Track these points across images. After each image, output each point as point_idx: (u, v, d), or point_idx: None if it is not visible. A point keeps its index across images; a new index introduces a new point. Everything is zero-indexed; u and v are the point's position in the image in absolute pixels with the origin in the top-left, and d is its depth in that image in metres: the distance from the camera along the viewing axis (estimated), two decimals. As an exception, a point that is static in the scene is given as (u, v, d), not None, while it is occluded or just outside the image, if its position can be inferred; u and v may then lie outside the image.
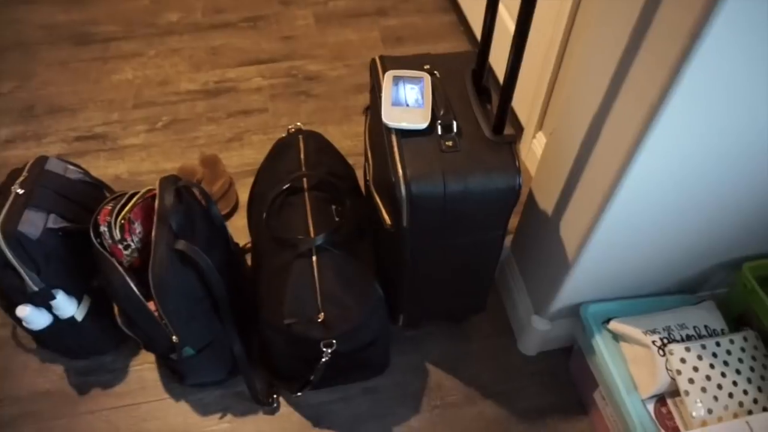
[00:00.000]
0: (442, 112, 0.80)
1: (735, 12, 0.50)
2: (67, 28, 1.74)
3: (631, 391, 0.84)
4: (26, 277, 0.89)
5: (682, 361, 0.81)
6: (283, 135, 1.11)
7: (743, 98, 0.60)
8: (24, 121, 1.49)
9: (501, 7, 1.36)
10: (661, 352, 0.83)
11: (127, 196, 0.94)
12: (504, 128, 0.79)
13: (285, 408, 1.03)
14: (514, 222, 1.03)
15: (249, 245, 1.19)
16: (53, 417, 1.02)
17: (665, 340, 0.84)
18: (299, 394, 0.98)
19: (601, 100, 0.70)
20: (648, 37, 0.59)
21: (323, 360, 0.89)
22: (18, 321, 0.95)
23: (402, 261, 0.88)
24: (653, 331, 0.85)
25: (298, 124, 1.12)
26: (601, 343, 0.88)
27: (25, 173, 0.97)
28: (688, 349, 0.82)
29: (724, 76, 0.57)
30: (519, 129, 1.41)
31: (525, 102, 1.33)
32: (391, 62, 0.88)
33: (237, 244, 1.17)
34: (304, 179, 1.00)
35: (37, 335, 0.99)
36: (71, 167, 1.04)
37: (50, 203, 0.95)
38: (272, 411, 1.02)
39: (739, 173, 0.71)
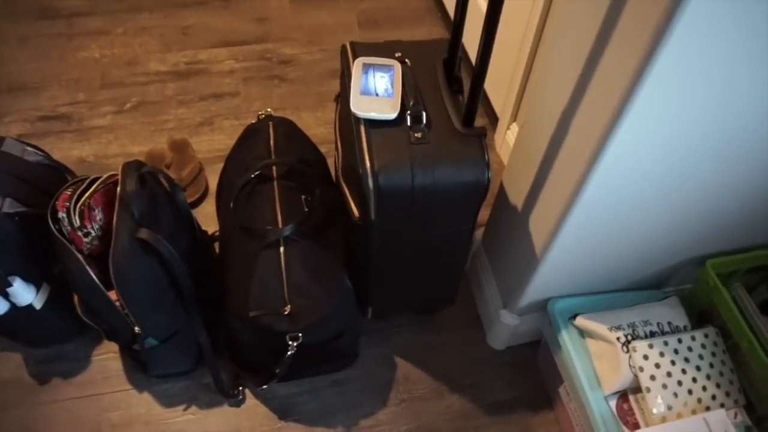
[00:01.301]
0: (411, 103, 0.78)
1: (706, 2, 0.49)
2: (29, 2, 1.66)
3: (594, 387, 0.85)
4: (-21, 265, 0.86)
5: (645, 357, 0.82)
6: (254, 121, 1.09)
7: (712, 92, 0.60)
8: (-17, 99, 1.43)
9: (479, -5, 1.34)
10: (625, 348, 0.83)
11: (88, 181, 0.91)
12: (474, 120, 0.77)
13: (251, 400, 1.02)
14: (486, 214, 1.03)
15: (216, 233, 1.17)
16: (12, 406, 0.99)
17: (629, 337, 0.84)
18: (265, 387, 0.97)
19: (571, 92, 0.69)
20: (618, 27, 0.58)
21: (289, 353, 0.87)
22: (-28, 309, 0.92)
23: (370, 253, 0.87)
24: (618, 328, 0.85)
25: (269, 110, 1.09)
26: (567, 338, 0.88)
27: (-22, 155, 0.92)
28: (651, 346, 0.82)
29: (694, 69, 0.56)
30: (494, 119, 1.40)
31: (500, 91, 1.32)
32: (361, 49, 0.86)
33: (205, 232, 1.14)
34: (273, 167, 0.98)
35: (-7, 323, 0.96)
36: (29, 149, 1.00)
37: (6, 186, 0.91)
38: (238, 403, 1.01)
39: (707, 169, 0.72)
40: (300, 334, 0.86)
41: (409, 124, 0.77)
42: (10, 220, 0.90)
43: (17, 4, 1.65)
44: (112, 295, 0.87)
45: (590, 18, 0.62)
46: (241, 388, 1.02)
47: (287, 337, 0.86)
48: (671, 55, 0.54)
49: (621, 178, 0.70)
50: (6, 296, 0.92)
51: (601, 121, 0.64)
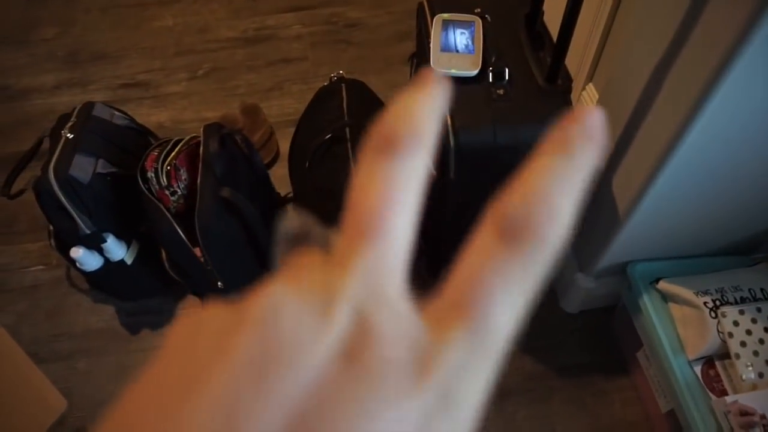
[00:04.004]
0: (493, 59, 0.76)
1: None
2: (107, -27, 1.72)
3: (677, 352, 0.83)
4: (78, 220, 0.92)
5: (735, 323, 0.78)
6: (325, 83, 1.09)
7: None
8: (69, 68, 1.50)
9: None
10: (713, 314, 0.80)
11: (172, 142, 0.95)
12: (558, 77, 0.75)
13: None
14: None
15: (290, 195, 1.20)
16: (106, 353, 1.07)
17: (718, 302, 0.81)
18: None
19: (667, 46, 0.65)
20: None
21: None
22: (72, 262, 0.98)
23: (446, 214, 0.86)
24: (705, 293, 0.82)
25: (341, 72, 1.09)
26: (648, 302, 0.86)
27: (73, 118, 0.98)
28: (742, 312, 0.79)
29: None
30: (567, 79, 1.35)
31: (576, 51, 1.26)
32: (439, 5, 0.84)
33: (278, 194, 1.17)
34: (347, 129, 0.99)
35: (90, 276, 1.03)
36: (117, 113, 1.05)
37: (98, 148, 0.96)
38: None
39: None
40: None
41: (490, 80, 0.75)
42: (103, 180, 0.95)
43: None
44: (197, 251, 0.91)
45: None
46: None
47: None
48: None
49: (716, 141, 0.66)
50: (101, 251, 0.99)
51: (700, 78, 0.60)
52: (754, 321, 0.79)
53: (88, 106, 1.00)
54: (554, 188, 0.14)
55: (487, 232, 0.14)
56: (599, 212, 0.88)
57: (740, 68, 0.56)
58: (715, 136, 0.66)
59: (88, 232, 0.93)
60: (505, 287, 0.14)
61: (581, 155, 0.14)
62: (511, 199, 0.14)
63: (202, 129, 0.95)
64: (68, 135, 0.94)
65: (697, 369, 0.81)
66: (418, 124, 0.15)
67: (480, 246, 0.14)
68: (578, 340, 1.04)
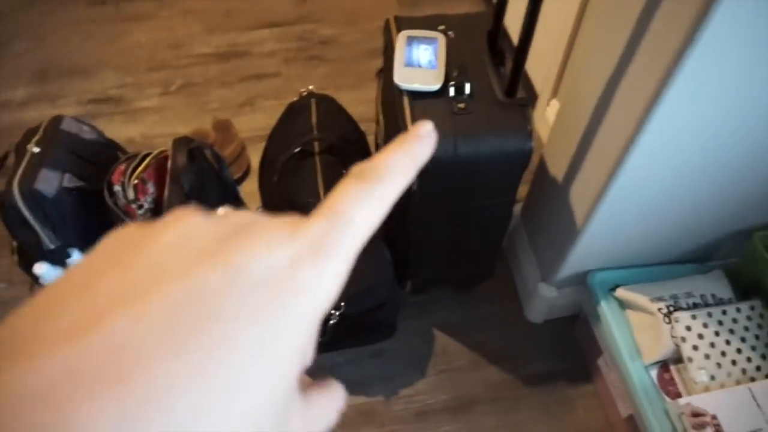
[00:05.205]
0: (455, 74, 0.79)
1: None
2: (80, -11, 1.72)
3: (634, 357, 0.85)
4: (42, 235, 0.91)
5: (688, 328, 0.81)
6: (295, 98, 1.11)
7: (761, 61, 0.59)
8: (38, 83, 1.50)
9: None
10: (666, 319, 0.83)
11: (140, 156, 0.95)
12: (517, 90, 0.78)
13: (294, 367, 1.05)
14: (524, 190, 1.03)
15: (258, 209, 1.20)
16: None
17: (671, 308, 0.84)
18: (308, 353, 1.00)
19: (616, 62, 0.69)
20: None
21: (331, 322, 0.90)
22: (35, 278, 0.97)
23: (410, 226, 0.88)
24: (659, 299, 0.85)
25: (311, 87, 1.11)
26: (607, 310, 0.89)
27: (40, 132, 0.98)
28: (694, 317, 0.82)
29: (743, 36, 0.56)
30: (533, 96, 1.39)
31: (540, 68, 1.31)
32: (405, 23, 0.87)
33: (248, 208, 1.18)
34: (316, 143, 1.00)
35: (55, 291, 1.02)
36: (86, 127, 1.05)
37: (65, 162, 0.96)
38: (282, 369, 1.05)
39: (752, 140, 0.70)
40: (342, 303, 0.88)
41: (452, 95, 0.78)
42: (69, 194, 0.95)
43: (70, -10, 1.72)
44: (165, 264, 0.91)
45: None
46: (285, 356, 1.06)
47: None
48: (721, 25, 0.53)
49: (664, 150, 0.70)
50: (65, 267, 0.98)
51: (646, 91, 0.63)
52: (705, 325, 0.82)
53: (57, 119, 1.00)
54: (394, 157, 0.19)
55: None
56: (558, 222, 0.91)
57: (687, 73, 0.59)
58: (665, 145, 0.69)
59: (52, 246, 0.92)
60: (358, 196, 0.17)
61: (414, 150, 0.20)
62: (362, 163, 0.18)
63: (171, 142, 0.95)
64: (34, 149, 0.93)
65: (653, 373, 0.84)
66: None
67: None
68: (543, 350, 1.06)
